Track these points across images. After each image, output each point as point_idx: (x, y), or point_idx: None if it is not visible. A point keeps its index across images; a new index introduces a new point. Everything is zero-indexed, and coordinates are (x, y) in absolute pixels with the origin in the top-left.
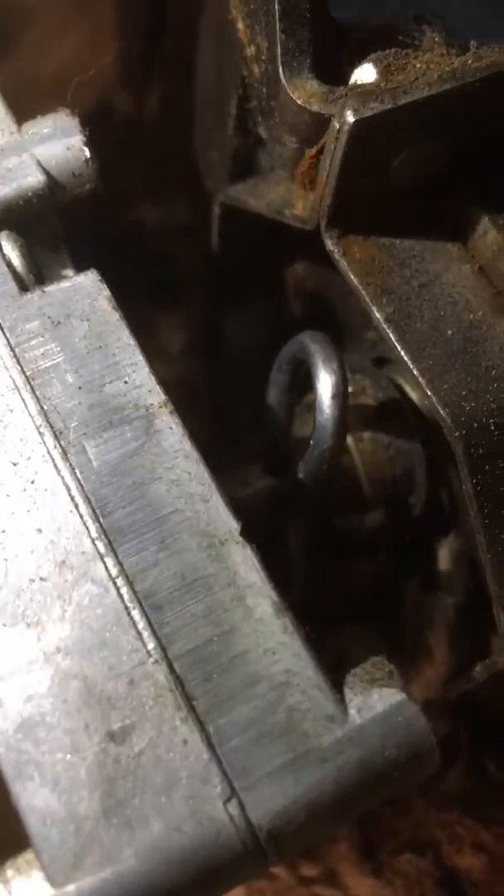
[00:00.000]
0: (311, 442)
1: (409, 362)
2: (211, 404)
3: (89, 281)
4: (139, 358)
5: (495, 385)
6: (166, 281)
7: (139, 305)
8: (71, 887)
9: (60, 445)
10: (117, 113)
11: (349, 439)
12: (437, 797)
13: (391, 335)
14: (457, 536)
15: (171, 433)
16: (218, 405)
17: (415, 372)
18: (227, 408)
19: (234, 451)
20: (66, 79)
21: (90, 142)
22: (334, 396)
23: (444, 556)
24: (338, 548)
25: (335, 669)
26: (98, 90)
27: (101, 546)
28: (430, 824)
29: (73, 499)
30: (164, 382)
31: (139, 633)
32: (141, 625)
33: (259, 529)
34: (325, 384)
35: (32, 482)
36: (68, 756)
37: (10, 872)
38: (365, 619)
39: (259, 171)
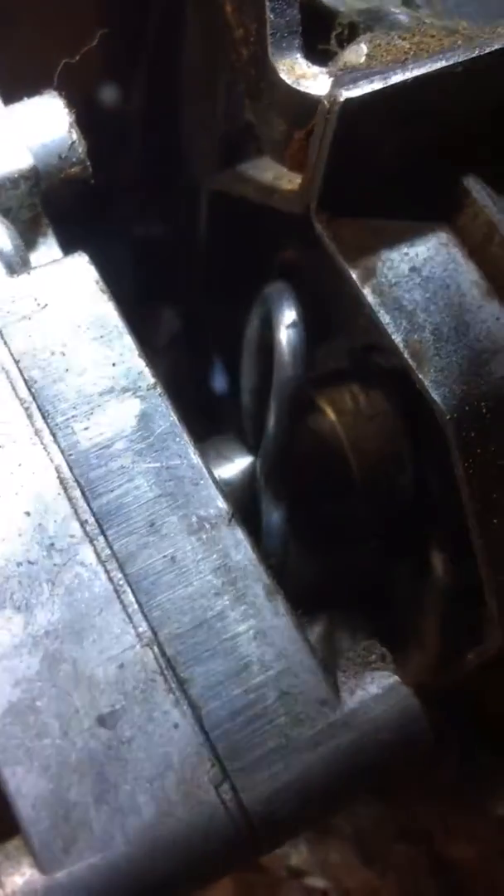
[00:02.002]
0: (273, 381)
1: (400, 346)
2: (199, 396)
3: (77, 263)
4: (128, 340)
5: (486, 368)
6: (154, 271)
7: (126, 297)
8: (61, 873)
9: (49, 428)
10: (103, 104)
11: (337, 424)
12: (429, 787)
13: (381, 319)
14: (449, 522)
15: (161, 415)
16: (206, 397)
17: (405, 356)
18: (216, 399)
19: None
20: (52, 75)
21: (77, 124)
22: (289, 326)
23: (437, 542)
24: (327, 534)
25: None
26: (84, 82)
27: (89, 529)
28: (423, 815)
29: (61, 481)
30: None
31: (129, 617)
32: (131, 608)
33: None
34: (278, 316)
35: (20, 465)
36: (58, 741)
37: None
38: (355, 604)
39: (248, 158)
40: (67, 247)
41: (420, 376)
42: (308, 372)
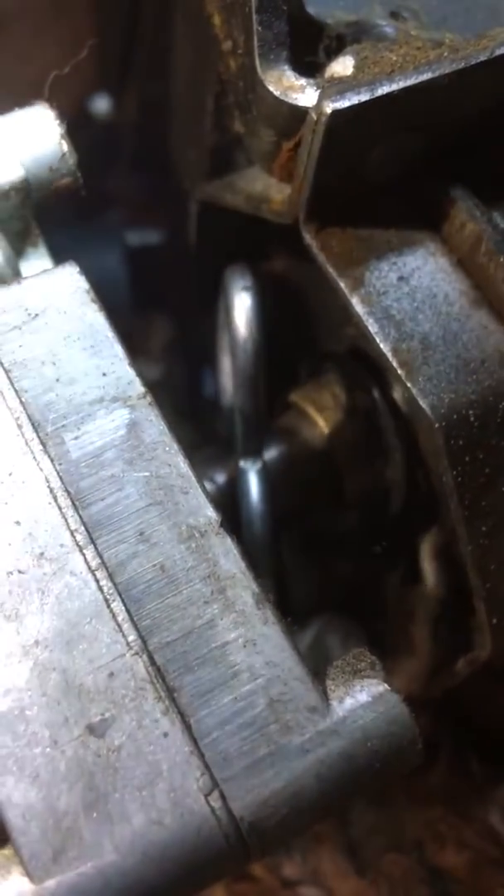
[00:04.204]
0: (231, 345)
1: (388, 355)
2: (192, 403)
3: (68, 273)
4: (118, 349)
5: (474, 377)
6: (148, 280)
7: (121, 305)
8: (51, 882)
9: (39, 437)
10: (96, 115)
11: (326, 434)
12: (420, 795)
13: (370, 328)
14: (438, 529)
15: (151, 425)
16: (200, 404)
17: (394, 364)
18: (209, 406)
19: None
20: (44, 84)
21: (68, 135)
22: (243, 289)
23: (426, 550)
24: (319, 545)
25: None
26: (76, 92)
27: (79, 538)
28: (414, 823)
29: (51, 491)
30: (144, 376)
31: (119, 626)
32: (120, 617)
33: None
34: (232, 284)
35: (10, 474)
36: (48, 750)
37: None
38: (346, 612)
39: (237, 169)
40: (61, 256)
41: (409, 385)
42: (299, 381)
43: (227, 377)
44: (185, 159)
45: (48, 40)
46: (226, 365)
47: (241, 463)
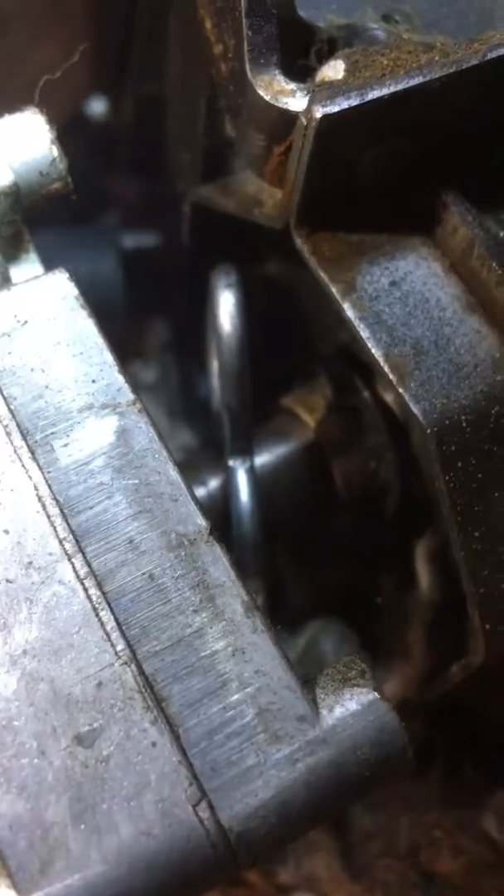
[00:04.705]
0: (215, 339)
1: (380, 360)
2: (188, 406)
3: (58, 279)
4: (108, 356)
5: (466, 382)
6: (144, 282)
7: (116, 308)
8: (38, 894)
9: (27, 445)
10: (92, 117)
11: (316, 437)
12: (414, 801)
13: (361, 333)
14: (432, 535)
15: (140, 432)
16: (195, 406)
17: (386, 369)
18: (204, 408)
19: (213, 451)
20: (37, 86)
21: (59, 140)
22: (227, 286)
23: (420, 555)
24: (313, 549)
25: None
26: (72, 95)
27: (68, 547)
28: (409, 828)
29: (40, 499)
30: (136, 383)
31: (107, 635)
32: (109, 626)
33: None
34: (217, 283)
35: None
36: (35, 760)
37: None
38: (340, 617)
39: (230, 172)
40: (56, 258)
41: (401, 390)
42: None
43: (217, 378)
44: (180, 162)
45: (45, 43)
46: (215, 367)
47: (230, 461)
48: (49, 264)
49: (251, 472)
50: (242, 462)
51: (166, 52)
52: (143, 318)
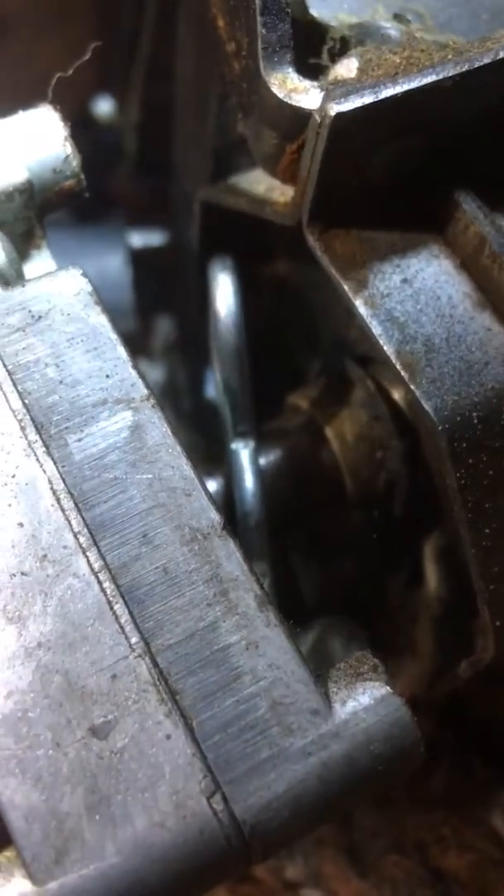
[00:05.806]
0: (212, 324)
1: (392, 357)
2: (195, 404)
3: (71, 276)
4: (121, 352)
5: (477, 379)
6: (151, 281)
7: (124, 307)
8: (53, 884)
9: (42, 439)
10: (99, 117)
11: (331, 435)
12: (422, 798)
13: (373, 330)
14: (441, 532)
15: (154, 427)
16: (202, 405)
17: (397, 366)
18: (211, 407)
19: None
20: (46, 87)
21: (72, 137)
22: (222, 270)
23: (428, 553)
24: (322, 546)
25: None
26: (79, 94)
27: (83, 540)
28: (416, 825)
29: (54, 493)
30: (147, 379)
31: (122, 628)
32: (123, 619)
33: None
34: (213, 267)
35: (13, 476)
36: (50, 752)
37: None
38: (350, 614)
39: (240, 171)
40: (64, 257)
41: (412, 387)
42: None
43: (216, 362)
44: (189, 161)
45: (52, 42)
46: (214, 352)
47: (233, 444)
48: (57, 263)
49: (254, 453)
50: (245, 445)
51: (175, 50)
52: (150, 317)
